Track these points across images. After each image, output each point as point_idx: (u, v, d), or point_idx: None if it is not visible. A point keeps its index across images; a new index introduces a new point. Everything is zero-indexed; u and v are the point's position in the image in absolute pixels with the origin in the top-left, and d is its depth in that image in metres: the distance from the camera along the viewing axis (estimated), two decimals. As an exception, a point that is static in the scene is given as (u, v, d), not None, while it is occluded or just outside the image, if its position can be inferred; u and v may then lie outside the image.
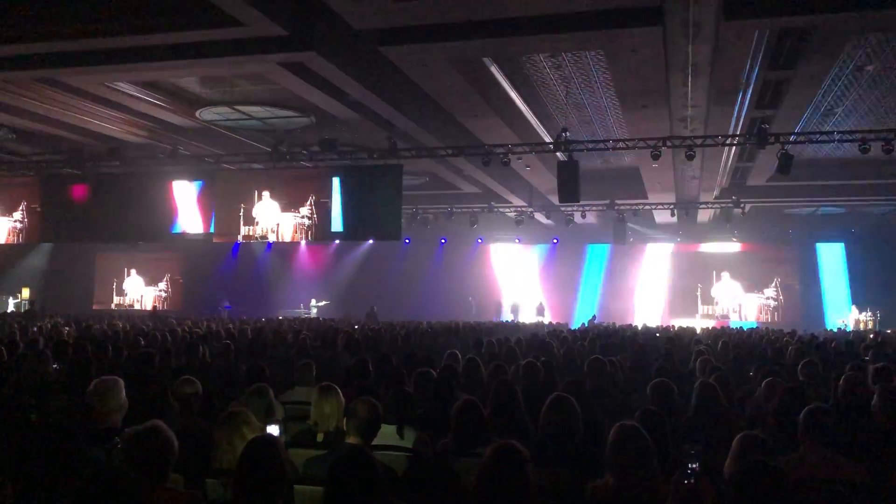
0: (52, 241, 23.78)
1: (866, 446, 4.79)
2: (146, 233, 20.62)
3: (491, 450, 3.23)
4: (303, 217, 17.94)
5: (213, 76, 14.13)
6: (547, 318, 28.20)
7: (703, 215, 26.45)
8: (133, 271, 32.97)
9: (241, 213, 18.37)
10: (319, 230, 18.10)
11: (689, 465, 3.23)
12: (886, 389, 5.80)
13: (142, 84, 14.56)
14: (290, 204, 18.08)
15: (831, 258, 28.33)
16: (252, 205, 18.27)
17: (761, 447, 3.77)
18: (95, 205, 19.34)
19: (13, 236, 20.55)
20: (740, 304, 29.48)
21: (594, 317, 27.41)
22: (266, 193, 18.22)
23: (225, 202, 18.65)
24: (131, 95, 15.02)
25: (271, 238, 18.55)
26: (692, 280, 29.85)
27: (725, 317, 28.93)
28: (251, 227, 18.34)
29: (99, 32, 11.46)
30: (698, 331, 19.21)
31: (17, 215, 20.31)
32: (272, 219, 18.16)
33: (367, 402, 4.52)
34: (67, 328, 15.12)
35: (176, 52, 12.00)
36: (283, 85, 13.78)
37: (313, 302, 29.28)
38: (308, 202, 17.96)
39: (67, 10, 11.17)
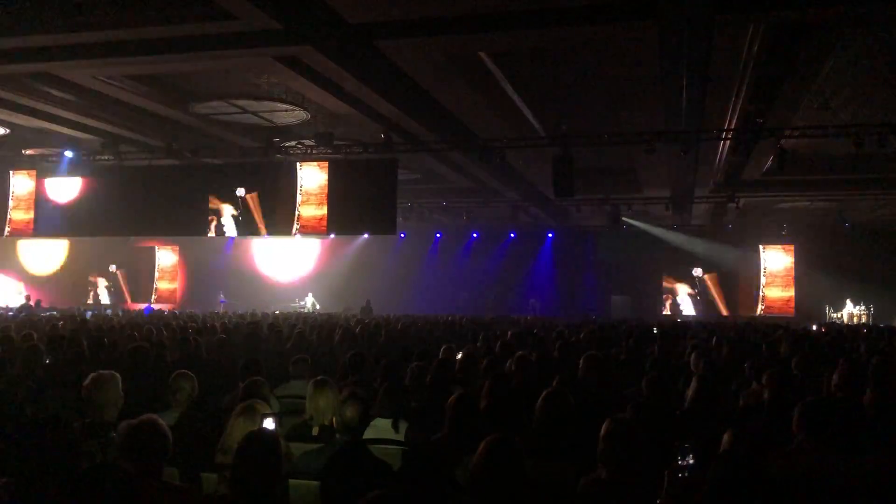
0: (47, 236, 23.74)
1: (860, 440, 4.82)
2: (141, 227, 20.66)
3: (485, 443, 3.25)
4: (296, 209, 18.00)
5: (208, 69, 14.08)
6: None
7: (698, 210, 26.49)
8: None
9: (233, 208, 18.37)
10: (313, 224, 18.09)
11: (683, 459, 3.25)
12: (880, 383, 5.84)
13: (135, 78, 14.51)
14: (283, 197, 18.12)
15: (825, 252, 28.37)
16: (245, 198, 18.30)
17: (752, 441, 3.79)
18: (89, 200, 19.32)
19: (8, 232, 20.56)
20: (734, 298, 29.58)
21: (587, 312, 27.48)
22: (258, 189, 18.28)
23: (219, 197, 18.63)
24: (125, 89, 14.97)
25: (266, 232, 18.60)
26: (687, 274, 29.92)
27: (718, 310, 29.01)
28: (243, 221, 18.38)
29: (91, 26, 11.41)
30: (693, 324, 19.27)
31: (14, 210, 20.31)
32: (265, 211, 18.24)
33: (354, 405, 4.53)
34: (62, 322, 15.09)
35: (170, 45, 11.95)
36: (277, 79, 13.76)
37: (310, 298, 29.27)
38: (301, 195, 17.99)
39: (59, 4, 11.12)
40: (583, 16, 10.69)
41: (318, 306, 28.95)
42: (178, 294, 32.74)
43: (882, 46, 12.12)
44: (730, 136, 16.20)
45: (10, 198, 20.27)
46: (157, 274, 33.11)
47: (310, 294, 29.36)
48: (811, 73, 13.01)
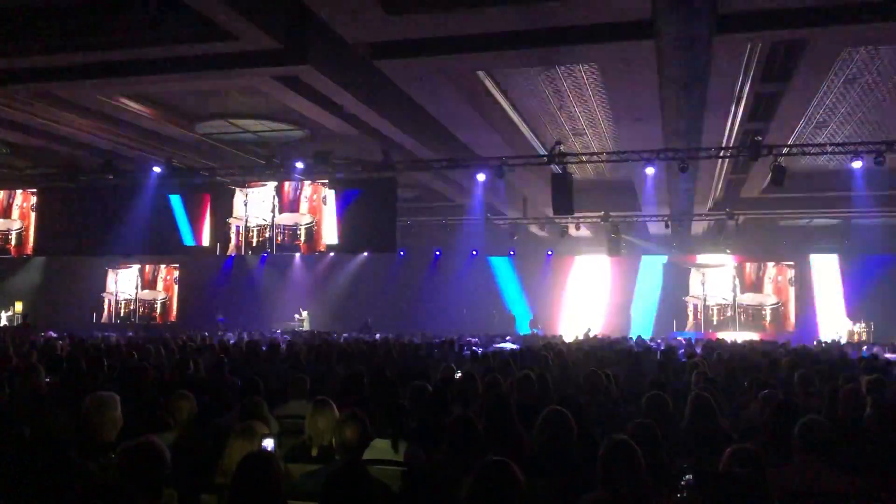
0: (47, 254, 23.76)
1: (860, 458, 4.80)
2: (142, 246, 20.66)
3: (481, 465, 3.24)
4: (295, 224, 18.10)
5: (208, 89, 14.15)
6: (540, 330, 28.32)
7: (697, 227, 26.51)
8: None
9: (235, 225, 18.44)
10: (314, 242, 18.14)
11: (682, 479, 3.24)
12: (880, 401, 5.82)
13: (136, 97, 14.57)
14: (285, 213, 18.24)
15: (825, 270, 28.39)
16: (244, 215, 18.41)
17: (751, 460, 3.77)
18: (90, 218, 19.33)
19: (7, 249, 20.60)
20: (734, 316, 29.52)
21: (588, 329, 27.39)
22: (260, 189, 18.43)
23: (219, 215, 18.68)
24: (126, 109, 15.03)
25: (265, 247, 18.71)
26: (685, 292, 29.89)
27: (718, 328, 28.95)
28: (245, 235, 18.45)
29: (94, 46, 11.48)
30: (693, 343, 19.24)
31: (14, 227, 20.35)
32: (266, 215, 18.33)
33: (354, 425, 4.51)
34: (60, 342, 15.06)
35: (171, 65, 12.01)
36: (277, 98, 13.82)
37: (305, 313, 29.19)
38: (302, 214, 18.07)
39: (62, 24, 11.19)
40: (582, 35, 10.76)
41: (307, 326, 28.78)
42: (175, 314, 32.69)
43: (879, 64, 12.19)
44: (728, 154, 16.24)
45: (13, 218, 20.34)
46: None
47: (305, 312, 29.31)
48: (809, 92, 13.07)
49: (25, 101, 14.45)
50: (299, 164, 17.79)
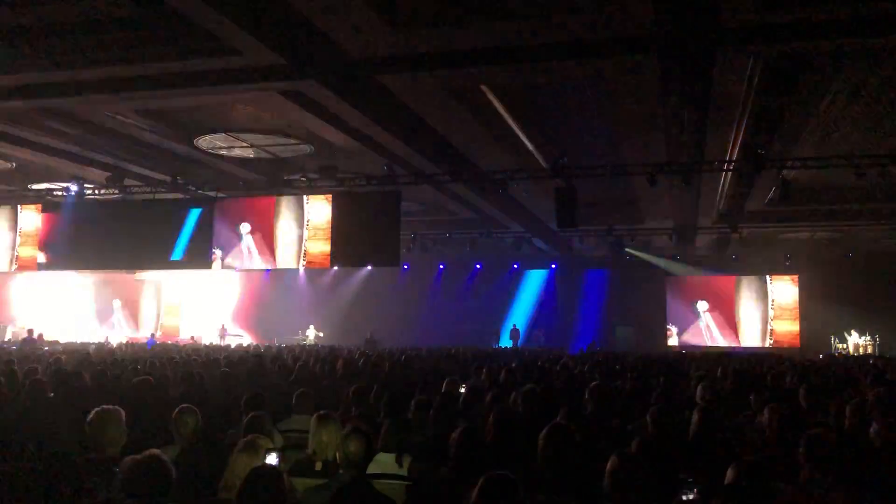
0: (52, 269, 23.79)
1: (866, 473, 4.78)
2: (146, 261, 20.72)
3: (483, 480, 3.24)
4: (299, 238, 18.14)
5: (213, 104, 14.20)
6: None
7: (701, 240, 26.49)
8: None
9: (240, 240, 18.49)
10: (318, 256, 18.16)
11: (687, 494, 3.23)
12: (885, 416, 5.80)
13: (140, 112, 14.63)
14: (289, 227, 18.26)
15: (829, 283, 28.33)
16: (250, 233, 18.44)
17: (757, 473, 3.76)
18: (95, 233, 19.39)
19: (13, 265, 20.66)
20: (739, 329, 29.46)
21: (594, 342, 27.37)
22: (264, 223, 18.43)
23: (223, 229, 18.71)
24: (130, 123, 15.09)
25: (269, 265, 18.70)
26: (690, 305, 29.85)
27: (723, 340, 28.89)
28: (247, 255, 18.46)
29: (98, 62, 11.55)
30: (698, 356, 19.19)
31: (19, 242, 20.42)
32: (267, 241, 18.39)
33: (358, 439, 4.50)
34: (65, 356, 15.05)
35: (175, 80, 12.07)
36: (281, 113, 13.86)
37: (311, 331, 29.22)
38: (308, 229, 18.08)
39: (66, 40, 11.24)
40: (584, 50, 10.79)
41: (321, 334, 28.90)
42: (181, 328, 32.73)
43: (881, 78, 12.19)
44: (731, 168, 16.24)
45: (18, 234, 20.40)
46: (162, 309, 33.21)
47: (311, 326, 29.34)
48: (812, 105, 13.08)
49: (30, 116, 14.51)
50: (303, 179, 17.86)
